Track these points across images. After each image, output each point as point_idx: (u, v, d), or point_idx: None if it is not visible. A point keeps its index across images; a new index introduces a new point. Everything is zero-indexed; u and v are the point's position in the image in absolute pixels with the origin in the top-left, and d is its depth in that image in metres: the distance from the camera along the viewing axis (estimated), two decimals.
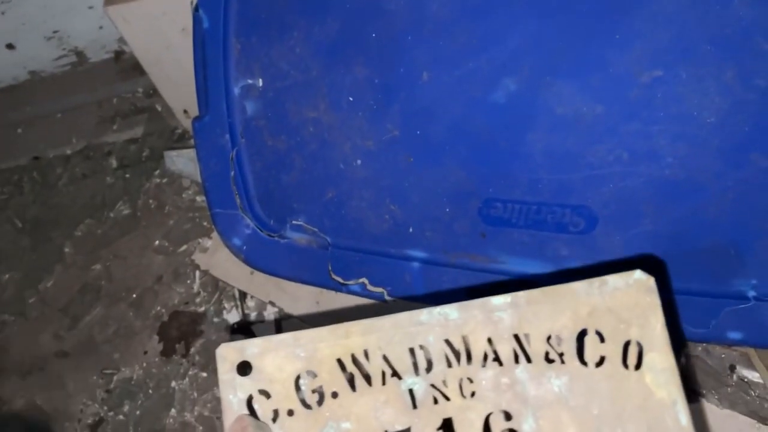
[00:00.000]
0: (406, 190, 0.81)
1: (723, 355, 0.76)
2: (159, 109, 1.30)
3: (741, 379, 0.74)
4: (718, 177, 0.68)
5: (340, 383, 0.36)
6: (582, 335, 0.35)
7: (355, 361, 0.36)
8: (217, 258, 1.07)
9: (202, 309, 1.05)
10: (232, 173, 0.89)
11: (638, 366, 0.34)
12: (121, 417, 0.99)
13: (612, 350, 0.34)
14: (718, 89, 0.67)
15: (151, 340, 1.05)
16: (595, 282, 0.35)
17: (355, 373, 0.36)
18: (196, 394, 0.98)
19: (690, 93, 0.67)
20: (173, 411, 0.98)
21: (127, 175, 1.25)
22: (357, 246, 0.86)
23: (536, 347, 0.35)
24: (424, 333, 0.35)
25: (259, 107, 0.86)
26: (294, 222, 0.88)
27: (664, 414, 0.33)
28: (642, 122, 0.69)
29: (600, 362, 0.34)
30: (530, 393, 0.34)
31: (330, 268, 0.88)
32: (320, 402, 0.36)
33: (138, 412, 0.99)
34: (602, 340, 0.35)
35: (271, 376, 0.37)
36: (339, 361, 0.36)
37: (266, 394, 0.37)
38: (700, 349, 0.77)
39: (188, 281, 1.09)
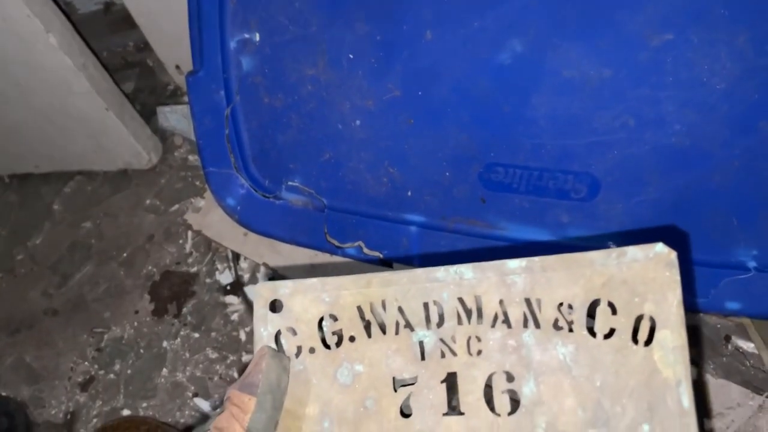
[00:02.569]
0: (406, 153, 0.80)
1: (718, 326, 0.76)
2: (150, 64, 1.27)
3: (736, 349, 0.74)
4: (725, 145, 0.67)
5: (358, 329, 0.38)
6: (594, 305, 0.34)
7: (373, 309, 0.37)
8: (209, 218, 1.05)
9: (195, 269, 1.04)
10: (227, 131, 0.87)
11: (648, 342, 0.33)
12: (111, 376, 0.99)
13: (623, 323, 0.34)
14: (730, 55, 0.65)
15: (142, 300, 1.04)
16: (614, 252, 0.34)
17: (372, 321, 0.37)
18: (188, 354, 0.97)
19: (701, 58, 0.66)
20: (165, 371, 0.97)
21: None
22: (354, 209, 0.85)
23: (546, 313, 0.34)
24: (438, 289, 0.36)
25: (256, 63, 0.83)
26: (290, 183, 0.87)
27: (667, 394, 0.32)
28: (650, 87, 0.68)
29: (609, 334, 0.34)
30: (535, 357, 0.34)
31: (326, 230, 0.86)
32: (338, 344, 0.38)
33: (129, 372, 0.98)
34: (614, 312, 0.34)
35: (298, 315, 0.39)
36: (359, 308, 0.38)
37: (292, 331, 0.39)
38: (697, 318, 0.77)
39: (180, 241, 1.07)
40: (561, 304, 0.34)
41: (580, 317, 0.34)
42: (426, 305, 0.36)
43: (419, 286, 0.36)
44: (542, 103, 0.72)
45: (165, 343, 0.99)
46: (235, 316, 0.98)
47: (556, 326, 0.34)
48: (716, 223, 0.70)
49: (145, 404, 0.95)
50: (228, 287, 1.01)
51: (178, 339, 0.99)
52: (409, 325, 0.36)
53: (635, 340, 0.33)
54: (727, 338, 0.75)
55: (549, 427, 0.33)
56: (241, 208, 0.89)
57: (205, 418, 0.88)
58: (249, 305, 0.98)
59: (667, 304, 0.33)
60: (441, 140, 0.77)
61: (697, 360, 0.73)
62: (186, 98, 1.17)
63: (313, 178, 0.85)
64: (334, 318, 0.38)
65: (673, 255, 0.33)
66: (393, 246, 0.83)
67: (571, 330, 0.34)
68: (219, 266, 1.03)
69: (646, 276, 0.33)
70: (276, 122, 0.85)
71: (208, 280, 1.02)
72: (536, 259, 0.36)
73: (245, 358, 0.95)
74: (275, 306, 0.39)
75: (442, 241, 0.81)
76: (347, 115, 0.81)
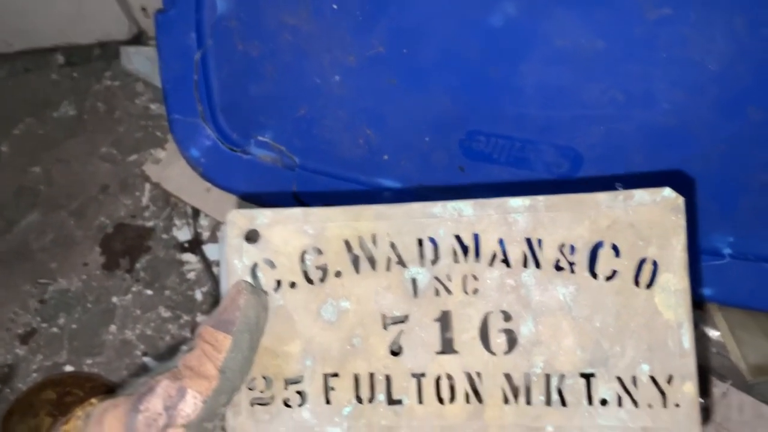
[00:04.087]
0: (386, 114, 0.76)
1: None
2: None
3: (703, 336, 0.74)
4: (712, 128, 0.66)
5: (345, 263, 0.35)
6: (597, 247, 0.34)
7: (362, 244, 0.35)
8: (170, 171, 1.00)
9: (151, 224, 0.99)
10: (196, 77, 0.82)
11: (650, 285, 0.33)
12: (55, 329, 0.93)
13: (626, 266, 0.34)
14: (725, 35, 0.64)
15: (93, 252, 0.98)
16: (621, 194, 0.34)
17: (360, 255, 0.35)
18: (139, 312, 0.92)
19: (696, 36, 0.64)
20: (113, 327, 0.92)
21: (75, 74, 1.15)
22: (326, 169, 0.81)
23: (547, 254, 0.34)
24: (435, 225, 0.35)
25: (232, 5, 0.78)
26: (260, 138, 0.82)
27: (668, 335, 0.33)
28: (642, 63, 0.66)
29: (611, 276, 0.34)
30: (534, 298, 0.34)
31: (294, 190, 0.82)
32: (323, 279, 0.35)
33: (74, 326, 0.93)
34: (617, 254, 0.34)
35: (278, 247, 0.36)
36: (346, 242, 0.35)
37: (271, 264, 0.36)
38: None
39: (137, 193, 1.02)
40: (563, 245, 0.34)
41: (582, 259, 0.34)
42: (420, 241, 0.35)
43: (414, 221, 0.35)
44: (531, 71, 0.69)
45: (115, 299, 0.94)
46: (191, 275, 0.94)
47: (558, 267, 0.34)
48: (695, 207, 0.69)
49: (90, 361, 0.90)
50: (186, 245, 0.96)
51: (129, 295, 0.94)
52: (401, 262, 0.35)
53: (637, 283, 0.33)
54: (695, 326, 0.75)
55: (546, 367, 0.33)
56: (205, 160, 0.84)
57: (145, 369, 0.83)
58: (207, 264, 0.94)
59: (671, 248, 0.33)
60: (423, 103, 0.74)
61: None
62: (151, 43, 1.10)
63: (285, 134, 0.81)
64: (319, 251, 0.35)
65: (680, 200, 0.34)
66: None
67: (572, 271, 0.34)
68: (177, 222, 0.98)
69: (652, 220, 0.33)
70: (249, 72, 0.80)
71: (164, 236, 0.98)
72: (540, 198, 0.35)
73: (200, 318, 0.91)
74: (251, 237, 0.36)
75: None
76: (327, 69, 0.77)
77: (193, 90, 0.82)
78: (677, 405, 0.33)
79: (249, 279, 0.35)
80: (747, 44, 0.63)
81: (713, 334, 0.74)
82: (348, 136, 0.78)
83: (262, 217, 0.36)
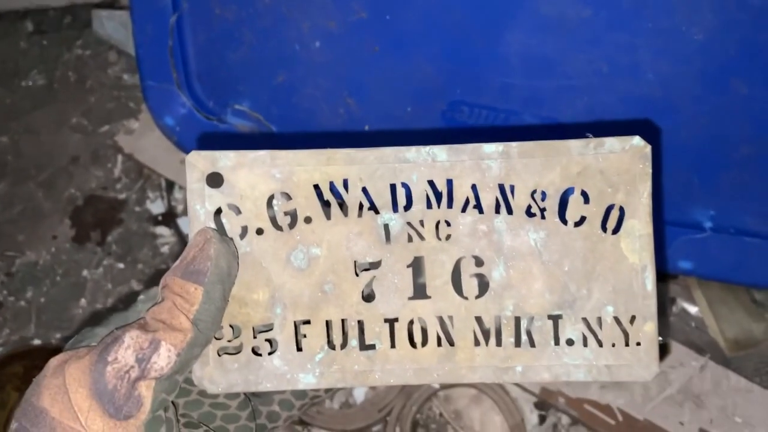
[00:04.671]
0: (367, 83, 0.74)
1: (665, 288, 0.76)
2: None
3: (681, 310, 0.74)
4: (696, 100, 0.66)
5: (315, 209, 0.34)
6: (567, 193, 0.35)
7: (333, 189, 0.34)
8: (143, 142, 0.97)
9: (123, 196, 0.96)
10: (171, 42, 0.79)
11: (616, 231, 0.34)
12: (22, 303, 0.90)
13: (594, 212, 0.34)
14: (711, 5, 0.63)
15: (62, 225, 0.95)
16: (592, 142, 0.35)
17: (332, 201, 0.34)
18: (110, 286, 0.90)
19: (682, 5, 0.63)
20: (83, 301, 0.89)
21: (45, 42, 1.11)
22: (305, 140, 0.79)
23: (519, 200, 0.35)
24: (408, 171, 0.34)
25: None
26: (236, 106, 0.80)
27: (632, 278, 0.34)
28: (628, 33, 0.65)
29: (579, 222, 0.35)
30: (505, 243, 0.34)
31: None
32: (292, 225, 0.34)
33: (42, 300, 0.90)
34: (586, 200, 0.35)
35: (243, 192, 0.34)
36: (316, 186, 0.34)
37: (236, 210, 0.34)
38: None
39: (108, 165, 0.99)
40: (535, 191, 0.34)
41: (552, 204, 0.34)
42: (393, 186, 0.34)
43: (387, 166, 0.34)
44: (516, 40, 0.68)
45: (85, 272, 0.91)
46: (165, 249, 0.92)
47: (529, 213, 0.35)
48: (677, 180, 0.68)
49: (59, 335, 0.87)
50: (159, 218, 0.94)
51: (101, 269, 0.91)
52: (373, 207, 0.34)
53: (604, 229, 0.35)
54: (673, 300, 0.75)
55: (516, 309, 0.34)
56: (180, 129, 0.82)
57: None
58: (181, 237, 0.91)
59: (637, 195, 0.34)
60: (406, 72, 0.73)
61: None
62: (126, 5, 1.07)
63: (263, 102, 0.79)
64: (288, 196, 0.34)
65: (648, 149, 0.35)
66: None
67: (543, 217, 0.35)
68: (150, 194, 0.95)
69: (621, 167, 0.34)
70: (226, 37, 0.78)
71: (137, 209, 0.95)
72: (513, 144, 0.35)
73: None
74: (214, 181, 0.34)
75: None
76: (306, 35, 0.74)
77: (168, 55, 0.79)
78: (638, 344, 0.34)
79: (212, 225, 0.34)
80: (733, 15, 0.63)
81: (692, 309, 0.74)
82: (328, 104, 0.76)
83: (225, 159, 0.34)
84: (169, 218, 0.93)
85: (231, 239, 0.34)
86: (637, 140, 0.35)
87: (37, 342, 0.87)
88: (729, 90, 0.65)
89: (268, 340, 0.34)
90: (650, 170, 0.35)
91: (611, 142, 0.35)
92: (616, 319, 0.34)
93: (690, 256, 0.68)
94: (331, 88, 0.76)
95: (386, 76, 0.73)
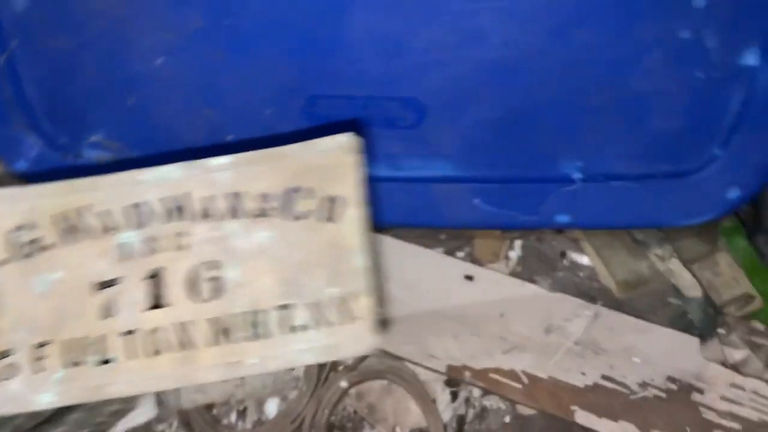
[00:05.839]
0: (222, 91, 0.72)
1: (554, 242, 0.77)
2: None
3: (572, 263, 0.75)
4: (544, 55, 0.66)
5: (57, 236, 0.37)
6: (292, 192, 0.39)
7: (74, 215, 0.38)
8: None
9: None
10: (5, 84, 0.74)
11: (337, 219, 0.39)
12: None
13: (316, 205, 0.39)
14: None
15: None
16: (309, 144, 0.41)
17: (73, 227, 0.37)
18: None
19: None
20: None
21: None
22: (170, 159, 0.75)
23: (249, 205, 0.38)
24: (144, 191, 0.39)
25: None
26: (92, 138, 0.75)
27: (350, 258, 0.38)
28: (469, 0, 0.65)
29: (304, 216, 0.39)
30: (238, 245, 0.38)
31: None
32: (34, 253, 0.37)
33: None
34: (310, 196, 0.39)
35: None
36: (59, 215, 0.38)
37: None
38: (533, 237, 0.77)
39: None
40: (263, 195, 0.39)
41: (279, 205, 0.39)
42: (131, 207, 0.38)
43: (125, 189, 0.39)
44: (360, 22, 0.67)
45: None
46: None
47: (259, 215, 0.39)
48: (541, 137, 0.69)
49: None
50: None
51: None
52: (112, 228, 0.38)
53: (327, 219, 0.39)
54: (563, 254, 0.76)
55: (250, 304, 0.37)
56: (35, 171, 0.77)
57: None
58: None
59: (350, 184, 0.39)
60: (258, 74, 0.70)
61: (533, 278, 0.73)
62: None
63: (117, 129, 0.75)
64: (32, 226, 0.37)
65: (355, 142, 0.41)
66: None
67: (272, 217, 0.39)
68: None
69: (335, 162, 0.40)
70: (65, 69, 0.74)
71: None
72: (242, 155, 0.41)
73: None
74: None
75: None
76: (147, 52, 0.71)
77: (5, 97, 0.74)
78: (357, 319, 0.38)
79: None
80: None
81: (582, 259, 0.75)
82: (186, 120, 0.73)
83: None
84: None
85: None
86: (345, 137, 0.41)
87: None
88: (575, 40, 0.65)
89: (10, 365, 0.35)
90: (358, 160, 0.40)
91: (324, 142, 0.40)
92: (339, 300, 0.38)
93: (565, 210, 0.69)
94: (186, 102, 0.72)
95: (240, 82, 0.71)
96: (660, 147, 0.66)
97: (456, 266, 0.72)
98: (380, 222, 0.66)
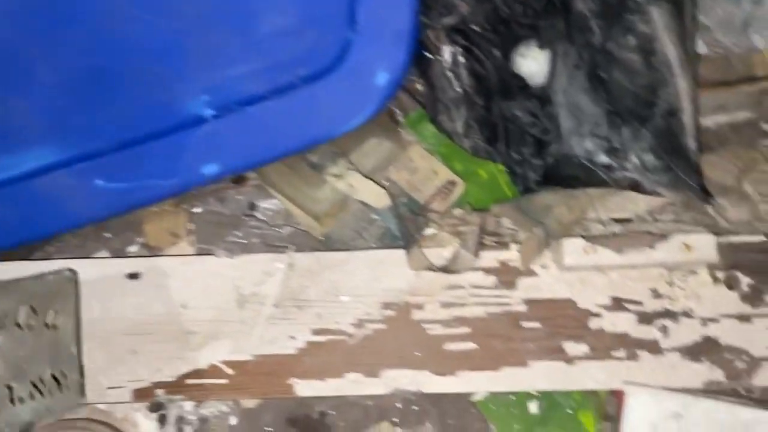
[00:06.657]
0: None
1: (239, 197, 0.64)
2: None
3: (265, 213, 0.64)
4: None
5: None
6: None
7: None
8: None
9: None
10: None
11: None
12: None
13: None
14: None
15: None
16: None
17: None
18: None
19: None
20: None
21: None
22: None
23: None
24: None
25: None
26: None
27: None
28: None
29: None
30: None
31: None
32: None
33: None
34: None
35: None
36: None
37: None
38: (211, 199, 0.64)
39: None
40: None
41: None
42: None
43: None
44: None
45: None
46: None
47: None
48: (144, 82, 0.55)
49: None
50: None
51: None
52: None
53: None
54: (252, 206, 0.64)
55: None
56: None
57: None
58: None
59: None
60: None
61: (209, 249, 0.61)
62: None
63: None
64: None
65: None
66: None
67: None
68: None
69: None
70: None
71: None
72: None
73: None
74: None
75: None
76: None
77: None
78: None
79: None
80: None
81: (273, 204, 0.63)
82: None
83: None
84: None
85: None
86: None
87: None
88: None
89: None
90: None
91: None
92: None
93: (210, 157, 0.56)
94: None
95: None
96: (285, 50, 0.55)
97: (119, 267, 0.58)
98: None
